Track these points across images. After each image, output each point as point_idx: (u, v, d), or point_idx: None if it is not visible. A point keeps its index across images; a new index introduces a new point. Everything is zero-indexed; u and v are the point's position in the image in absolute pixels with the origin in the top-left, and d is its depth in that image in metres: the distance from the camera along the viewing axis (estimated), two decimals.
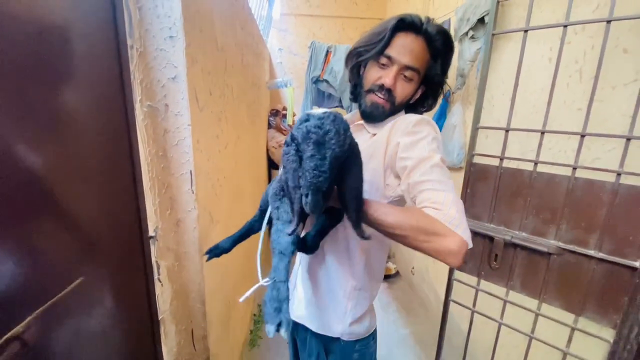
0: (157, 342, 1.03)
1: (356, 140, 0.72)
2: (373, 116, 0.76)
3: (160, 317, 1.02)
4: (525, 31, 1.03)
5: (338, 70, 2.29)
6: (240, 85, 1.63)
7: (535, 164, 1.02)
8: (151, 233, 0.94)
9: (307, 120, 0.53)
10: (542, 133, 1.01)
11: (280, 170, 0.65)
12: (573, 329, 1.01)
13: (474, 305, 1.24)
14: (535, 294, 1.07)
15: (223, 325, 1.33)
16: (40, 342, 0.55)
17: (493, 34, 1.09)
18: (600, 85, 1.06)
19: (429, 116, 0.77)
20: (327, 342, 0.85)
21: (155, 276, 0.99)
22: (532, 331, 1.10)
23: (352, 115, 0.86)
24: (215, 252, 0.85)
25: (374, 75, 0.74)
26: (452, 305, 1.31)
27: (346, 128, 0.54)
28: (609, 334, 0.96)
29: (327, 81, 2.39)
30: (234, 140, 1.47)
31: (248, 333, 1.99)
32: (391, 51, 0.71)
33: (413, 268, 2.58)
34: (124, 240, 0.86)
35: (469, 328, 1.26)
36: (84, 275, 0.67)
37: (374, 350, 0.89)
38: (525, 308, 1.10)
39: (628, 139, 0.86)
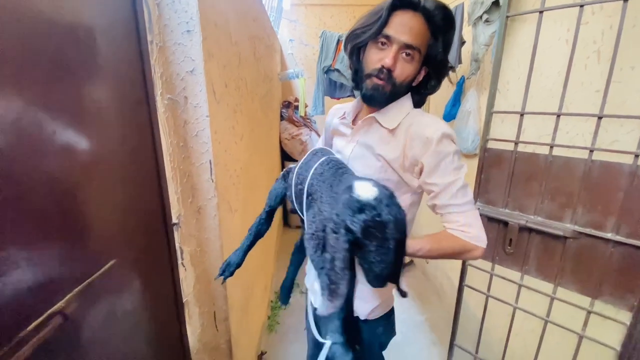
0: (182, 323, 1.09)
1: (372, 136, 0.79)
2: (374, 99, 0.76)
3: (184, 300, 1.08)
4: (541, 12, 1.01)
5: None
6: (253, 78, 1.66)
7: (551, 147, 1.01)
8: (174, 220, 0.99)
9: (361, 210, 0.52)
10: (558, 116, 1.00)
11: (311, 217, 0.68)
12: (589, 312, 1.01)
13: (489, 290, 1.25)
14: (550, 278, 1.07)
15: (242, 309, 1.39)
16: (78, 316, 0.60)
17: (507, 16, 1.07)
18: (618, 65, 1.03)
19: (440, 97, 0.78)
20: (354, 323, 0.89)
21: (179, 261, 1.04)
22: (548, 315, 1.11)
23: (356, 102, 0.87)
24: (230, 270, 0.86)
25: (373, 57, 0.72)
26: (466, 293, 1.32)
27: (398, 205, 0.54)
28: (625, 316, 0.96)
29: (338, 70, 2.39)
30: (248, 132, 1.51)
31: (266, 319, 2.06)
32: (389, 30, 0.69)
33: None
34: (150, 227, 0.91)
35: (484, 313, 1.28)
36: (115, 258, 0.72)
37: (393, 319, 0.97)
38: (540, 292, 1.10)
39: None
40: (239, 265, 0.85)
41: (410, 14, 0.68)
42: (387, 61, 0.69)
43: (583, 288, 1.01)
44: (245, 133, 1.44)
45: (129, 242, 0.81)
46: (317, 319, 0.90)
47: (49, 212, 0.55)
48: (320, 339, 0.83)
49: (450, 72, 1.82)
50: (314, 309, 0.93)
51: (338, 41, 2.33)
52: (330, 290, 0.56)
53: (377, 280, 0.56)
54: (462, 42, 1.69)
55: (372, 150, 0.77)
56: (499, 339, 1.27)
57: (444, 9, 0.69)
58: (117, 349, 0.76)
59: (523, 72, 1.44)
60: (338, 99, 2.61)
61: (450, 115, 2.05)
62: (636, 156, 0.87)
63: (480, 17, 1.55)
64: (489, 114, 1.14)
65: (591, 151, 0.94)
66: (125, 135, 0.79)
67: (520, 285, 1.15)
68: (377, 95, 0.74)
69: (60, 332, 0.54)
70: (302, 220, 0.81)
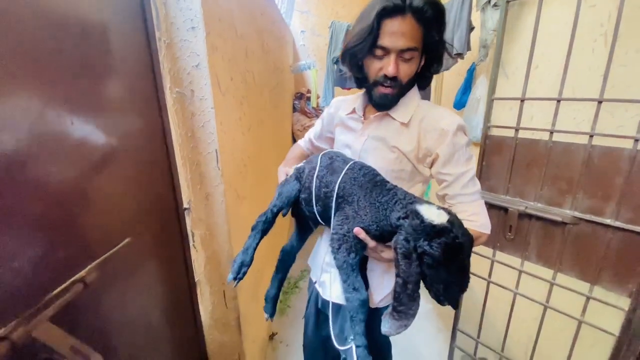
0: (195, 300, 1.18)
1: (384, 129, 0.83)
2: (384, 105, 0.79)
3: (196, 279, 1.17)
4: None
5: None
6: (261, 71, 1.71)
7: (551, 133, 1.01)
8: (185, 205, 1.07)
9: (439, 234, 0.58)
10: (558, 101, 0.99)
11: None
12: (588, 298, 1.01)
13: (490, 276, 1.26)
14: (550, 264, 1.08)
15: (252, 290, 1.47)
16: (97, 285, 0.68)
17: (508, 1, 1.06)
18: (624, 49, 1.01)
19: (456, 76, 0.80)
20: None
21: (191, 243, 1.13)
22: (547, 300, 1.12)
23: (363, 97, 0.87)
24: (241, 270, 0.83)
25: (375, 67, 0.75)
26: (487, 287, 1.33)
27: (464, 226, 0.62)
28: (624, 303, 0.96)
29: None
30: (256, 123, 1.57)
31: (278, 303, 2.16)
32: (384, 41, 0.70)
33: None
34: (163, 211, 0.99)
35: (485, 298, 1.30)
36: (130, 237, 0.80)
37: None
38: (540, 278, 1.11)
39: None
40: (249, 264, 0.85)
41: (399, 19, 0.69)
42: (390, 70, 0.71)
43: (582, 274, 1.01)
44: (253, 124, 1.50)
45: (143, 223, 0.89)
46: (334, 313, 0.89)
47: (73, 195, 0.63)
48: (333, 335, 0.85)
49: (459, 59, 1.81)
50: (323, 302, 0.96)
51: (347, 31, 2.33)
52: (401, 312, 0.61)
53: (454, 299, 0.63)
54: (471, 28, 1.66)
55: (385, 142, 0.80)
56: (501, 324, 1.28)
57: (432, 3, 0.69)
58: (134, 319, 0.85)
59: (533, 58, 1.42)
60: (349, 89, 2.62)
61: (460, 103, 2.03)
62: (636, 140, 0.86)
63: (489, 1, 1.52)
64: (490, 101, 1.14)
65: (591, 136, 0.93)
66: (139, 126, 0.86)
67: (520, 272, 1.16)
68: (387, 102, 0.78)
69: (81, 297, 0.62)
70: (314, 222, 0.88)
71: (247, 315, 1.36)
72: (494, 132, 1.15)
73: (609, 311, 0.99)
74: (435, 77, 2.79)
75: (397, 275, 0.61)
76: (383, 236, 0.71)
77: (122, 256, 0.78)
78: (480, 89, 1.78)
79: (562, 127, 1.02)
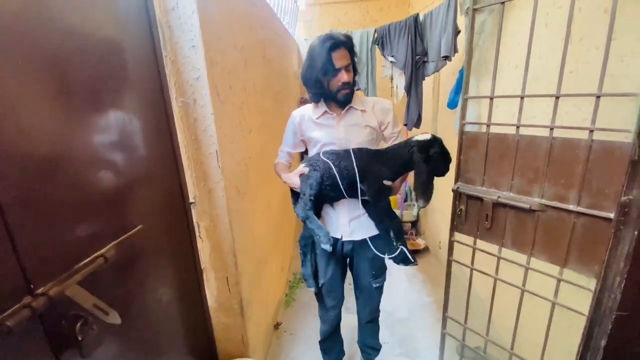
0: (202, 285, 1.33)
1: (353, 117, 1.29)
2: (347, 101, 1.25)
3: (202, 267, 1.32)
4: (502, 3, 1.09)
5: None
6: (262, 78, 1.85)
7: (517, 127, 1.09)
8: (191, 200, 1.22)
9: (433, 143, 1.12)
10: (522, 98, 1.07)
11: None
12: (559, 281, 1.08)
13: (472, 263, 1.34)
14: (524, 250, 1.15)
15: (255, 279, 1.61)
16: (115, 260, 0.82)
17: (474, 9, 1.16)
18: (586, 46, 1.09)
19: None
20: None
21: (197, 234, 1.27)
22: (524, 284, 1.19)
23: (322, 105, 1.28)
24: (328, 236, 1.18)
25: (334, 82, 1.20)
26: (459, 268, 1.42)
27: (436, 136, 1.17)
28: (593, 284, 1.02)
29: None
30: (258, 126, 1.72)
31: (283, 295, 2.29)
32: (337, 64, 1.16)
33: (440, 242, 2.65)
34: (172, 205, 1.14)
35: (469, 285, 1.38)
36: (142, 224, 0.95)
37: None
38: (516, 263, 1.18)
39: (597, 97, 0.91)
40: (328, 232, 1.20)
41: (339, 50, 1.16)
42: (346, 78, 1.19)
43: (553, 258, 1.08)
44: (254, 127, 1.65)
45: (154, 214, 1.04)
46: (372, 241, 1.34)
47: (95, 188, 0.78)
48: (377, 253, 1.32)
49: (448, 62, 1.91)
50: (354, 246, 1.36)
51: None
52: (425, 194, 1.13)
53: (445, 173, 1.17)
54: (457, 32, 1.75)
55: (359, 125, 1.27)
56: (486, 309, 1.36)
57: (349, 37, 1.21)
58: (147, 293, 0.99)
59: (513, 58, 1.50)
60: None
61: (453, 102, 2.10)
62: (590, 131, 0.93)
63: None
64: (464, 99, 1.23)
65: (551, 129, 1.01)
66: (150, 130, 1.02)
67: (498, 258, 1.24)
68: (349, 99, 1.24)
69: (102, 268, 0.77)
70: (341, 193, 1.22)
71: (251, 300, 1.50)
72: (468, 128, 1.25)
73: (584, 294, 1.05)
74: (431, 79, 2.88)
75: (419, 175, 1.12)
76: (395, 177, 1.22)
77: (136, 240, 0.92)
78: (470, 89, 1.86)
79: (539, 122, 1.11)
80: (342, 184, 1.18)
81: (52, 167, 0.67)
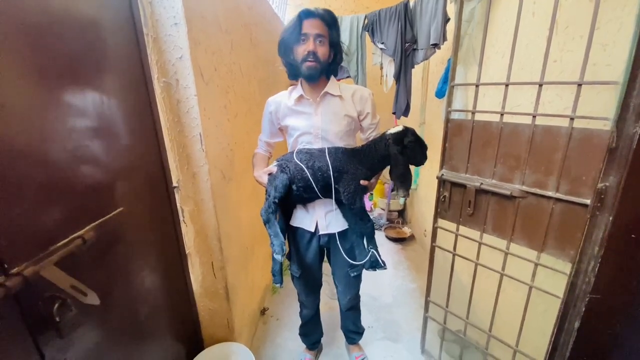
0: (186, 271, 1.32)
1: (330, 105, 1.22)
2: (312, 76, 1.15)
3: (187, 252, 1.31)
4: None
5: (344, 40, 2.37)
6: (249, 63, 1.81)
7: (501, 115, 1.11)
8: (175, 184, 1.20)
9: (405, 133, 1.11)
10: (506, 86, 1.08)
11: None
12: (536, 265, 1.12)
13: (454, 249, 1.37)
14: (504, 235, 1.18)
15: (240, 264, 1.60)
16: (94, 242, 0.80)
17: None
18: (571, 35, 1.10)
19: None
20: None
21: (181, 219, 1.26)
22: (503, 269, 1.22)
23: (299, 88, 1.22)
24: (283, 248, 1.15)
25: (300, 49, 1.12)
26: (443, 254, 1.45)
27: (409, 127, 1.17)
28: (569, 268, 1.06)
29: None
30: (244, 111, 1.69)
31: (270, 282, 2.30)
32: (305, 30, 1.10)
33: (425, 230, 2.70)
34: (154, 188, 1.12)
35: (451, 270, 1.41)
36: (122, 207, 0.93)
37: None
38: (496, 248, 1.22)
39: (579, 85, 0.93)
40: (283, 242, 1.18)
41: (312, 19, 1.10)
42: (311, 46, 1.10)
43: (531, 243, 1.12)
44: (240, 112, 1.62)
45: (135, 197, 1.01)
46: (341, 237, 1.32)
47: (72, 167, 0.76)
48: (343, 251, 1.29)
49: (437, 50, 1.90)
50: (329, 238, 1.33)
51: None
52: (405, 184, 1.13)
53: (423, 161, 1.16)
54: (447, 20, 1.74)
55: (338, 114, 1.21)
56: (467, 294, 1.40)
57: (329, 12, 1.13)
58: (128, 276, 0.98)
59: (501, 47, 1.51)
60: (338, 80, 2.71)
61: (442, 92, 2.11)
62: (571, 119, 0.95)
63: None
64: (451, 87, 1.23)
65: (534, 117, 1.03)
66: (130, 110, 0.99)
67: (480, 243, 1.27)
68: (313, 73, 1.14)
69: (80, 250, 0.75)
70: (315, 194, 1.18)
71: (236, 285, 1.50)
72: (454, 115, 1.25)
73: (560, 278, 1.08)
74: (420, 68, 2.88)
75: (396, 167, 1.11)
76: (372, 175, 1.19)
77: (116, 223, 0.91)
78: (457, 77, 1.87)
79: (525, 110, 1.12)
80: (316, 187, 1.14)
81: (25, 146, 0.64)
